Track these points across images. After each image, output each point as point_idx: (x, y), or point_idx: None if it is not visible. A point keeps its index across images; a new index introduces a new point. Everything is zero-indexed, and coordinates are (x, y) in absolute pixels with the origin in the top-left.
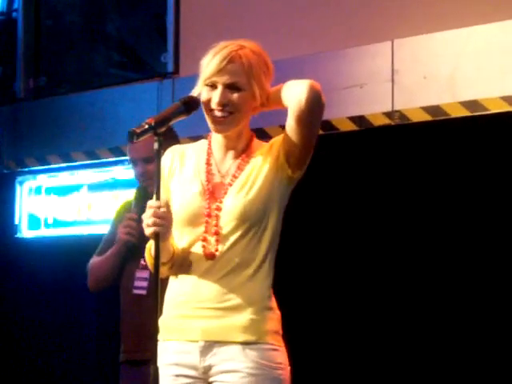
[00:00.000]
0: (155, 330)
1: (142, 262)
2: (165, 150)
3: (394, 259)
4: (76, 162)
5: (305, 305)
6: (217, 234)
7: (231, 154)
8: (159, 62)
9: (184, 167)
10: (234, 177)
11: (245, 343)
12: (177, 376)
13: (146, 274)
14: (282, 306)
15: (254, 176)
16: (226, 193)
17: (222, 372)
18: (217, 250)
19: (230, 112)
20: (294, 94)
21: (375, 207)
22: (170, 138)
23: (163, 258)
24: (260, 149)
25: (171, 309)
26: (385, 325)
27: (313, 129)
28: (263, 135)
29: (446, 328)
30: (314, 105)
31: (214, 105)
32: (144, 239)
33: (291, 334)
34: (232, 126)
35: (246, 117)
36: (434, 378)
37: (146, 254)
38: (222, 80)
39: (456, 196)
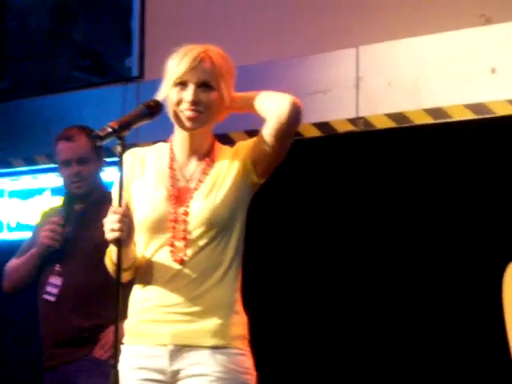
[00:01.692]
0: (117, 335)
1: (57, 267)
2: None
3: (361, 265)
4: (39, 165)
5: (273, 310)
6: (185, 238)
7: (194, 157)
8: (124, 66)
9: (145, 171)
10: (200, 181)
11: (214, 347)
12: (144, 380)
13: (58, 281)
14: (250, 310)
15: (221, 180)
16: (191, 197)
17: (191, 376)
18: (185, 255)
19: (200, 111)
20: (276, 108)
21: (339, 213)
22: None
23: (124, 264)
24: (224, 153)
25: (138, 314)
26: (353, 330)
27: (287, 142)
28: (227, 140)
29: (421, 328)
30: (295, 122)
31: (185, 104)
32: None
33: (258, 339)
34: (202, 124)
35: (214, 117)
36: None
37: (107, 260)
38: (193, 78)
39: (419, 202)
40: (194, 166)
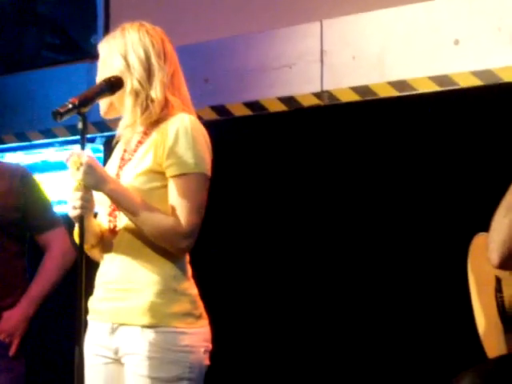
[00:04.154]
0: (79, 312)
1: None
2: None
3: (318, 242)
4: (6, 144)
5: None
6: (115, 209)
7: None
8: (89, 43)
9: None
10: (133, 152)
11: (145, 326)
12: (96, 355)
13: None
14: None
15: (145, 152)
16: (121, 168)
17: (126, 354)
18: (115, 227)
19: None
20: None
21: (303, 188)
22: None
23: (92, 241)
24: (165, 124)
25: (95, 290)
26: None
27: None
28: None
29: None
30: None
31: None
32: None
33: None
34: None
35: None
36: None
37: (75, 238)
38: None
39: (385, 177)
40: (135, 137)
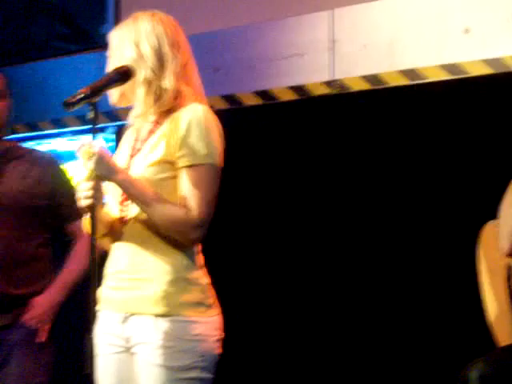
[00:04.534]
0: (91, 301)
1: None
2: None
3: (329, 232)
4: (17, 134)
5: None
6: (126, 199)
7: (151, 119)
8: (99, 33)
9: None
10: (144, 141)
11: (157, 315)
12: (109, 345)
13: None
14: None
15: (157, 142)
16: (131, 157)
17: (138, 343)
18: (126, 216)
19: None
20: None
21: (314, 177)
22: None
23: (102, 230)
24: (178, 114)
25: (105, 279)
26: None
27: None
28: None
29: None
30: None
31: None
32: None
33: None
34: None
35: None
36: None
37: (86, 228)
38: None
39: (395, 166)
40: (146, 126)
